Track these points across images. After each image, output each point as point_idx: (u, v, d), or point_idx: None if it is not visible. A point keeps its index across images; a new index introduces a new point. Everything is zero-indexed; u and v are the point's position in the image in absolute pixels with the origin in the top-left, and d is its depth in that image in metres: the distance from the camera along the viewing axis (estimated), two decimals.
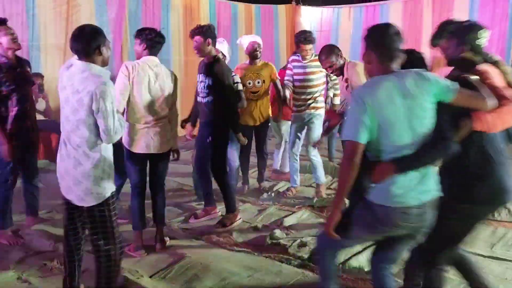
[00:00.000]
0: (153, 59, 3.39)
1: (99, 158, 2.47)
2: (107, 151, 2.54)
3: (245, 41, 4.80)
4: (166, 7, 7.83)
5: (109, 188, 2.55)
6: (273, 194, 4.95)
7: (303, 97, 4.74)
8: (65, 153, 2.50)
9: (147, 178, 3.56)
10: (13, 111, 3.53)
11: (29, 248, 3.58)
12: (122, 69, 3.31)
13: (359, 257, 3.29)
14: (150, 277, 3.15)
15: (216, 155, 3.99)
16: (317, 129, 4.74)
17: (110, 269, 2.62)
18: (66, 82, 2.44)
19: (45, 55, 6.17)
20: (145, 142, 3.38)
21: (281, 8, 10.16)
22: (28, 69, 3.74)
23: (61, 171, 2.56)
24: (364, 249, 3.42)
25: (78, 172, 2.47)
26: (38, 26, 6.20)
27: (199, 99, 3.99)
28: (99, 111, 2.36)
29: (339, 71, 3.83)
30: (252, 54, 4.72)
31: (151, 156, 3.47)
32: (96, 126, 2.42)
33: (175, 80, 3.49)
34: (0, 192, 3.62)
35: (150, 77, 3.32)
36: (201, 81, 3.90)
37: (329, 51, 3.79)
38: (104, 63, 2.48)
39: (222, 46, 4.29)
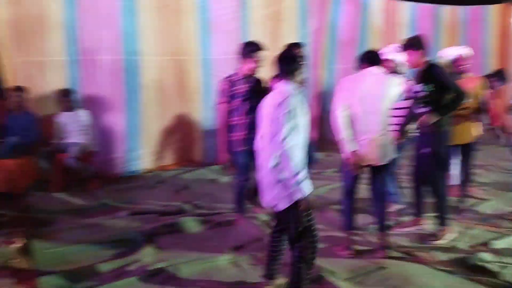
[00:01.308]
0: (370, 70, 3.48)
1: (284, 164, 2.63)
2: (294, 158, 2.64)
3: (452, 52, 4.49)
4: (364, 14, 7.90)
5: (298, 192, 2.65)
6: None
7: None
8: (260, 161, 2.83)
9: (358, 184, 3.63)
10: (244, 119, 4.01)
11: (249, 236, 3.92)
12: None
13: None
14: (345, 279, 3.20)
15: (437, 166, 3.84)
16: None
17: (299, 268, 2.79)
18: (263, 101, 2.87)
19: None
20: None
21: (492, 9, 9.20)
22: (260, 84, 4.13)
23: (259, 176, 2.87)
24: None
25: (268, 180, 2.75)
26: None
27: (417, 110, 3.87)
28: (278, 119, 2.62)
29: None
30: (460, 67, 4.41)
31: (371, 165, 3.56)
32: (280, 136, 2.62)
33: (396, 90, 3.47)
34: (239, 188, 4.18)
35: (361, 88, 3.42)
36: (420, 91, 3.78)
37: None
38: (298, 83, 2.80)
39: (396, 56, 4.08)
